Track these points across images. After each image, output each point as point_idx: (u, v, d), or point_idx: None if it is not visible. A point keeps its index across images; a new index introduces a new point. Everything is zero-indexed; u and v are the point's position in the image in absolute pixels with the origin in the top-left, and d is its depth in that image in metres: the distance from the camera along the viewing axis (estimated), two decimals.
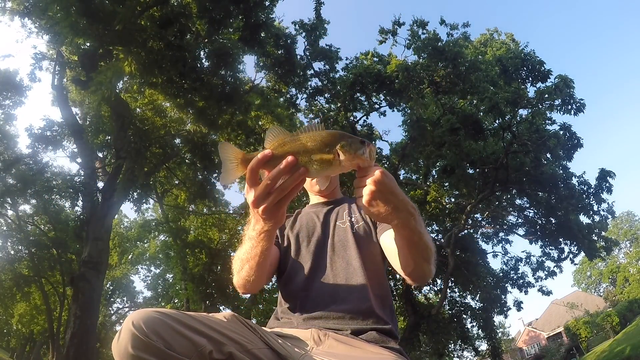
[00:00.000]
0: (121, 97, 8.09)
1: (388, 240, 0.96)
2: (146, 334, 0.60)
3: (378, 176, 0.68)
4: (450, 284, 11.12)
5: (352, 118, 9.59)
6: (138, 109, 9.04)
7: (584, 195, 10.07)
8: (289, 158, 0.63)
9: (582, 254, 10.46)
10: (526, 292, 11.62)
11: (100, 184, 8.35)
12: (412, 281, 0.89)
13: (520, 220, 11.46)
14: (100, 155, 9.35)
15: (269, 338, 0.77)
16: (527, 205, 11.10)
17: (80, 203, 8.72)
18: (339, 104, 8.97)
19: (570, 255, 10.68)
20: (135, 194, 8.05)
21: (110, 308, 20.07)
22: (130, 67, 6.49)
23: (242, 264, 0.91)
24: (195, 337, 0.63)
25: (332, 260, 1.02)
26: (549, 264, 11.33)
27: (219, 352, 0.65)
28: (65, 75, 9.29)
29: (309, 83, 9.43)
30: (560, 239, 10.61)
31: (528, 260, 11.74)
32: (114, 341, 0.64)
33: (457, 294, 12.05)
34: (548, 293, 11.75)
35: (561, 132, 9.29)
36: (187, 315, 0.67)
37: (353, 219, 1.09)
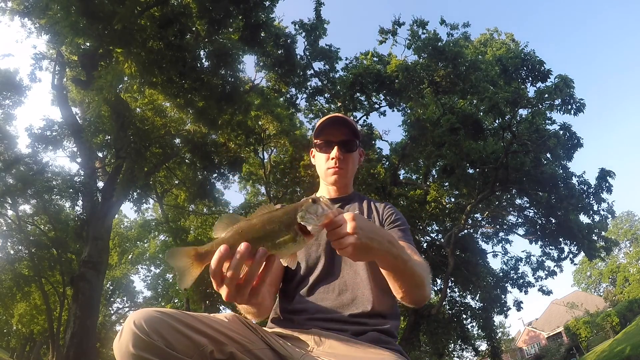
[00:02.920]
0: (121, 97, 8.09)
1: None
2: (147, 334, 0.59)
3: (354, 223, 0.64)
4: (450, 284, 11.12)
5: (352, 118, 9.60)
6: (138, 109, 9.04)
7: (584, 195, 10.06)
8: (241, 247, 0.58)
9: (582, 253, 10.46)
10: (526, 292, 11.61)
11: (100, 184, 8.36)
12: (408, 304, 0.88)
13: (520, 220, 11.47)
14: (100, 155, 9.35)
15: (270, 338, 0.77)
16: (527, 205, 11.10)
17: (80, 203, 8.73)
18: (338, 104, 8.97)
19: (570, 255, 10.68)
20: (135, 193, 8.05)
21: (110, 308, 20.08)
22: (130, 68, 6.49)
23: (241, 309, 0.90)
24: (196, 336, 0.63)
25: (339, 263, 1.00)
26: (549, 263, 11.34)
27: (220, 352, 0.65)
28: (65, 75, 9.29)
29: (309, 83, 9.43)
30: (560, 239, 10.60)
31: (528, 260, 11.74)
32: (115, 340, 0.63)
33: (457, 293, 12.05)
34: (548, 293, 11.74)
35: (561, 132, 9.30)
36: (189, 315, 0.66)
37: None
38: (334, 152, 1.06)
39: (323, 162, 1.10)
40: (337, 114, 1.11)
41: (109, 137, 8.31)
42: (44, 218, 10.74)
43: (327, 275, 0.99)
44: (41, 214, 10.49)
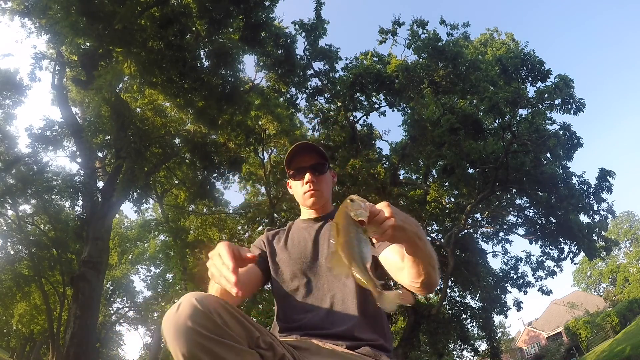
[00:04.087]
0: (121, 97, 8.09)
1: (392, 257, 0.98)
2: (209, 310, 0.64)
3: (389, 209, 0.72)
4: (450, 284, 11.12)
5: (352, 118, 9.60)
6: (138, 109, 9.03)
7: (584, 195, 10.06)
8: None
9: (582, 253, 10.45)
10: (525, 292, 11.60)
11: (100, 184, 8.36)
12: (422, 291, 0.90)
13: (520, 220, 11.46)
14: (100, 155, 9.35)
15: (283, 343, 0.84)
16: (527, 205, 11.09)
17: (80, 203, 8.73)
18: (338, 104, 8.97)
19: (570, 255, 10.67)
20: (135, 193, 8.05)
21: (110, 308, 20.08)
22: (130, 68, 6.49)
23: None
24: (247, 323, 0.70)
25: (328, 280, 1.03)
26: (548, 263, 11.33)
27: (264, 341, 0.71)
28: (65, 75, 9.29)
29: (309, 83, 9.42)
30: (560, 239, 10.60)
31: (528, 260, 11.73)
32: (169, 312, 0.66)
33: (457, 293, 12.05)
34: (548, 293, 11.74)
35: (561, 132, 9.29)
36: (236, 307, 0.73)
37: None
38: (307, 176, 1.14)
39: (299, 188, 1.16)
40: (303, 142, 1.18)
41: (109, 137, 8.32)
42: (44, 218, 10.74)
43: (322, 296, 1.02)
44: (41, 214, 10.49)
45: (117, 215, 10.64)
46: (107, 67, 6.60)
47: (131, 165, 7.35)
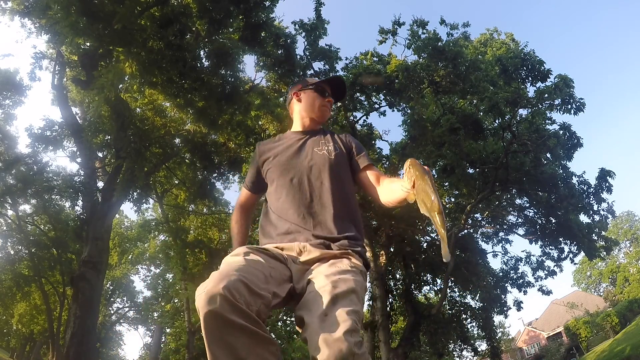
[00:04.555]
0: (121, 97, 8.08)
1: (370, 177, 1.26)
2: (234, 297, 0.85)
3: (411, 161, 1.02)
4: (450, 284, 11.11)
5: (352, 118, 9.59)
6: (138, 109, 9.03)
7: (584, 195, 10.06)
8: None
9: (582, 253, 10.44)
10: (525, 292, 11.59)
11: (100, 184, 8.36)
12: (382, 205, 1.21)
13: (520, 220, 11.45)
14: (100, 155, 9.35)
15: (274, 251, 1.08)
16: (527, 205, 11.09)
17: (80, 203, 8.72)
18: (338, 104, 8.96)
19: (570, 255, 10.66)
20: (135, 193, 8.04)
21: (110, 308, 20.07)
22: (131, 68, 6.49)
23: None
24: (262, 292, 0.90)
25: (310, 181, 1.20)
26: (548, 263, 11.31)
27: (276, 296, 0.96)
28: (65, 75, 9.28)
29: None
30: (560, 239, 10.59)
31: (528, 260, 11.72)
32: (205, 285, 0.89)
33: (457, 293, 12.03)
34: (548, 293, 11.73)
35: (561, 132, 9.29)
36: (252, 278, 0.90)
37: (330, 148, 1.28)
38: (330, 99, 1.38)
39: (317, 100, 1.37)
40: (342, 77, 1.46)
41: (109, 137, 8.31)
42: (44, 218, 10.73)
43: (305, 195, 1.19)
44: (41, 214, 10.48)
45: (117, 215, 10.64)
46: (107, 66, 6.60)
47: (131, 165, 7.35)
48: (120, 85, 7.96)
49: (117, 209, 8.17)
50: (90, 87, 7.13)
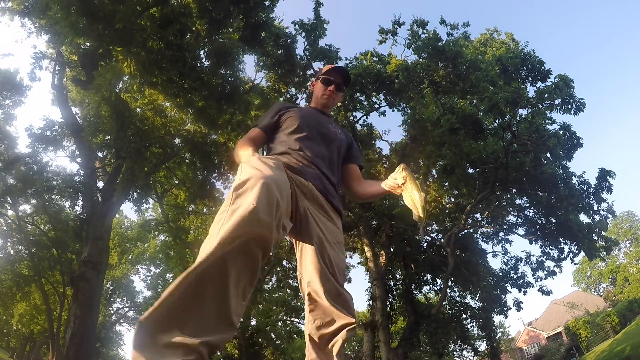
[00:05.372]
0: (121, 97, 8.08)
1: (353, 172, 1.50)
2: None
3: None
4: (450, 284, 11.12)
5: (351, 118, 9.59)
6: (138, 109, 9.02)
7: (584, 195, 10.06)
8: None
9: (582, 253, 10.44)
10: (525, 292, 11.60)
11: (100, 184, 8.35)
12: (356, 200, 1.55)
13: (520, 220, 11.45)
14: (100, 155, 9.34)
15: (289, 173, 1.17)
16: (527, 205, 11.09)
17: (80, 203, 8.72)
18: (338, 104, 8.97)
19: (570, 255, 10.66)
20: (135, 193, 8.04)
21: (110, 308, 20.06)
22: (130, 67, 6.48)
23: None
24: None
25: (329, 142, 1.40)
26: (548, 263, 11.31)
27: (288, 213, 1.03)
28: (65, 75, 9.27)
29: (309, 83, 9.40)
30: (560, 239, 10.59)
31: (528, 260, 11.72)
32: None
33: (457, 293, 12.04)
34: (548, 293, 11.72)
35: (561, 132, 9.29)
36: (275, 196, 0.90)
37: (338, 131, 1.49)
38: (332, 87, 1.56)
39: (321, 90, 1.57)
40: (343, 67, 1.65)
41: (109, 137, 8.30)
42: (44, 218, 10.72)
43: (322, 147, 1.37)
44: (41, 214, 10.47)
45: (117, 215, 10.63)
46: (107, 66, 6.59)
47: (131, 165, 7.34)
48: (120, 85, 7.97)
49: (117, 209, 8.17)
50: (89, 86, 7.12)
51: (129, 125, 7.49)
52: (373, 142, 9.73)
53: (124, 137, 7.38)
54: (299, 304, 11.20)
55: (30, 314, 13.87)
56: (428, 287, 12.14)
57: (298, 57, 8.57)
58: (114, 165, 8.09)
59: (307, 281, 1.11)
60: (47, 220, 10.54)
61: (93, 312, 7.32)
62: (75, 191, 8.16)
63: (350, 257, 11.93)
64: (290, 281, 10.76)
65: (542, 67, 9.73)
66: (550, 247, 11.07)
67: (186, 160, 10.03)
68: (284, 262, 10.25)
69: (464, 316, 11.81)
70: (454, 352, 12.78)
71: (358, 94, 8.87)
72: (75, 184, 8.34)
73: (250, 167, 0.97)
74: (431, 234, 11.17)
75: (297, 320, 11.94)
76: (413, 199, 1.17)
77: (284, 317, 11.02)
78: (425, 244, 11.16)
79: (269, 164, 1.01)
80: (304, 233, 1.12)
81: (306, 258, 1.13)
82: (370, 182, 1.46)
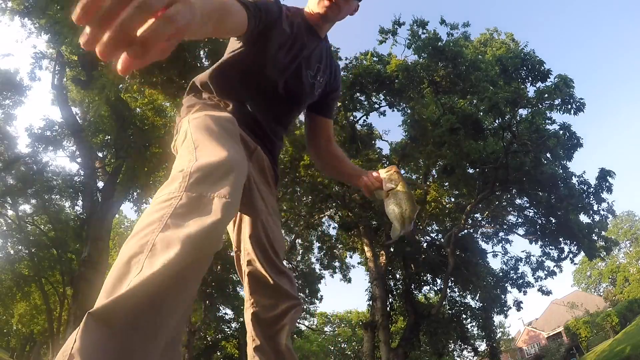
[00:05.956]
0: (121, 97, 8.08)
1: (327, 135, 1.19)
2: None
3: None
4: (450, 284, 11.13)
5: (351, 118, 9.59)
6: (138, 109, 9.03)
7: (584, 195, 10.07)
8: None
9: (582, 253, 10.44)
10: (525, 292, 11.60)
11: (100, 184, 8.36)
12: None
13: (520, 220, 11.46)
14: (100, 155, 9.35)
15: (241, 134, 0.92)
16: (527, 205, 11.09)
17: (80, 203, 8.73)
18: (338, 104, 8.98)
19: (570, 255, 10.66)
20: (135, 193, 8.05)
21: None
22: None
23: None
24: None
25: (292, 98, 1.05)
26: (548, 263, 11.31)
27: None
28: (65, 75, 9.27)
29: None
30: (560, 239, 10.59)
31: (528, 260, 11.72)
32: None
33: (457, 293, 12.06)
34: (548, 293, 11.72)
35: (561, 132, 9.30)
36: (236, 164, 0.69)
37: (319, 79, 1.09)
38: None
39: None
40: None
41: (109, 137, 8.31)
42: (43, 218, 10.73)
43: (279, 100, 1.04)
44: (41, 213, 10.48)
45: (117, 215, 10.63)
46: (108, 66, 6.60)
47: (131, 165, 7.35)
48: (120, 85, 7.97)
49: (117, 209, 8.18)
50: (90, 87, 7.13)
51: (129, 125, 7.50)
52: (373, 142, 9.74)
53: (124, 137, 7.39)
54: None
55: (30, 314, 13.88)
56: (428, 287, 12.17)
57: None
58: (114, 165, 8.10)
59: (246, 259, 0.96)
60: (47, 220, 10.55)
61: None
62: (75, 191, 8.17)
63: (351, 257, 11.94)
64: None
65: (542, 67, 9.74)
66: (550, 247, 11.08)
67: None
68: (284, 262, 10.25)
69: (463, 316, 11.82)
70: (454, 352, 12.79)
71: (358, 94, 8.88)
72: (75, 183, 8.35)
73: (217, 144, 0.71)
74: (431, 234, 11.19)
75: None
76: (401, 212, 0.98)
77: None
78: (425, 244, 11.16)
79: (233, 133, 0.81)
80: (247, 204, 0.91)
81: (245, 232, 0.96)
82: (342, 158, 1.17)
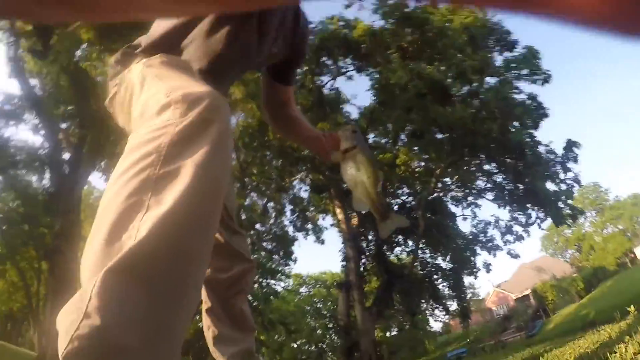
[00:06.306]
0: (80, 66, 7.78)
1: (284, 99, 1.04)
2: None
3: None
4: (421, 245, 11.52)
5: (318, 82, 9.55)
6: (99, 78, 8.72)
7: (551, 164, 10.49)
8: None
9: (549, 220, 10.83)
10: (495, 255, 12.15)
11: (67, 156, 8.18)
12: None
13: (489, 185, 11.85)
14: (63, 126, 9.08)
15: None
16: (496, 171, 11.45)
17: (47, 176, 8.55)
18: (305, 68, 8.90)
19: (538, 221, 11.11)
20: (102, 163, 7.94)
21: None
22: (88, 34, 6.23)
23: None
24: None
25: (246, 64, 0.94)
26: (517, 228, 11.71)
27: None
28: (21, 46, 8.79)
29: None
30: (528, 205, 11.00)
31: (497, 224, 12.18)
32: None
33: (428, 255, 12.52)
34: (516, 256, 12.20)
35: (528, 102, 9.58)
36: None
37: (274, 49, 0.94)
38: None
39: None
40: None
41: (71, 108, 8.06)
42: (11, 194, 10.45)
43: (232, 59, 0.88)
44: (8, 190, 10.20)
45: (85, 186, 10.41)
46: (63, 34, 6.32)
47: (96, 135, 7.22)
48: (79, 53, 7.66)
49: (85, 179, 8.07)
50: (47, 57, 6.83)
51: (91, 95, 7.29)
52: (341, 106, 9.77)
53: (86, 107, 7.20)
54: (273, 266, 11.53)
55: (8, 291, 13.73)
56: (400, 249, 12.55)
57: None
58: (79, 136, 7.92)
59: None
60: (16, 196, 10.29)
61: (71, 285, 7.37)
62: (41, 164, 7.98)
63: (323, 219, 12.13)
64: (264, 244, 11.01)
65: (509, 37, 9.90)
66: (519, 212, 11.54)
67: None
68: (257, 226, 10.44)
69: (435, 277, 12.36)
70: (427, 312, 13.50)
71: (325, 58, 8.83)
72: (40, 157, 8.14)
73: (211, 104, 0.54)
74: (402, 197, 11.50)
75: (272, 282, 12.32)
76: (361, 178, 0.87)
77: (260, 279, 11.39)
78: (396, 206, 11.42)
79: (194, 73, 0.72)
80: None
81: None
82: (298, 120, 1.06)
